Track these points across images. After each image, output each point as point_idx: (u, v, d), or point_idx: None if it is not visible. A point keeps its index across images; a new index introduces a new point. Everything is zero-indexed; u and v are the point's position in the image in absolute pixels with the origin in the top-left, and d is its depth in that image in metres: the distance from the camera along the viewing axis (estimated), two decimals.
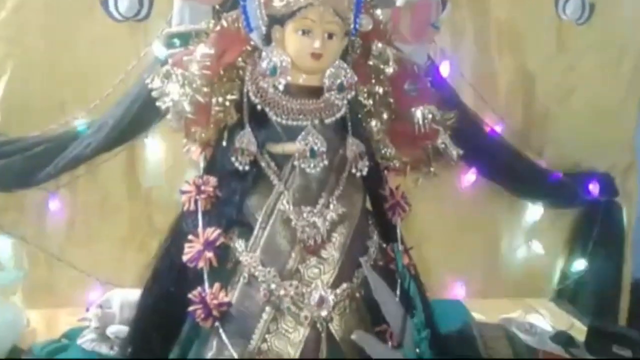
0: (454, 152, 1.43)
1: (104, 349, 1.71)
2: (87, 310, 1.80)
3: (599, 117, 2.23)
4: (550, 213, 2.28)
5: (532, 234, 2.30)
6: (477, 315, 2.06)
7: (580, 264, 2.30)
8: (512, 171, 2.19)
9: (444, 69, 2.07)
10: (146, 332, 1.38)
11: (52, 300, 1.95)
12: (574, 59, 2.19)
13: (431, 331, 1.38)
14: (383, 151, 1.47)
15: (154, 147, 1.92)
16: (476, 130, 2.13)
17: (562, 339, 1.90)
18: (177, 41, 1.44)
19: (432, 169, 1.46)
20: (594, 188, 2.26)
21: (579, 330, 2.00)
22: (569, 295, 2.32)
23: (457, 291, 2.26)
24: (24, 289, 1.94)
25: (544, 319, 2.09)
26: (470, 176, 2.20)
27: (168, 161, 1.92)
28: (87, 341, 1.74)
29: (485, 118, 2.14)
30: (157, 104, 1.31)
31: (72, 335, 1.79)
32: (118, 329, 1.72)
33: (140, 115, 1.76)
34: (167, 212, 1.55)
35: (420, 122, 1.39)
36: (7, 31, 1.81)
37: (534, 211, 2.29)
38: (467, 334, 1.83)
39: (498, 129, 2.16)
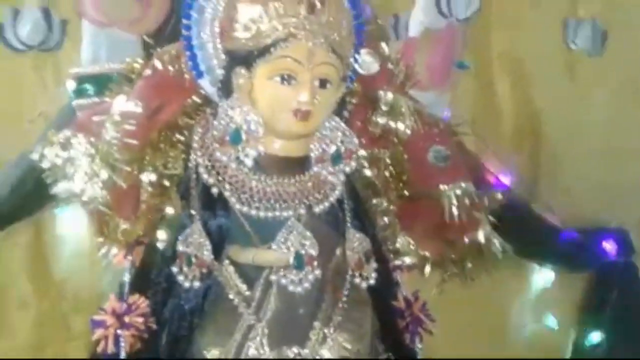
0: (500, 248, 1.00)
1: None
2: None
3: (612, 158, 2.00)
4: (561, 278, 1.97)
5: (543, 305, 1.99)
6: None
7: (595, 337, 1.96)
8: (520, 230, 1.86)
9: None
10: None
11: None
12: (585, 93, 1.95)
13: None
14: (390, 243, 1.05)
15: (68, 220, 1.50)
16: (479, 181, 1.81)
17: None
18: (89, 87, 0.99)
19: (467, 271, 1.04)
20: (610, 247, 1.97)
21: None
22: None
23: None
24: None
25: None
26: None
27: (89, 239, 1.41)
28: None
29: (487, 164, 1.83)
30: (53, 191, 0.84)
31: None
32: None
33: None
34: (87, 311, 1.13)
35: (455, 208, 0.96)
36: None
37: (544, 277, 1.98)
38: None
39: (505, 180, 1.85)
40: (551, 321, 1.98)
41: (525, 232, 1.85)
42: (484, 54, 1.84)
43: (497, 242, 1.01)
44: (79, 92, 1.01)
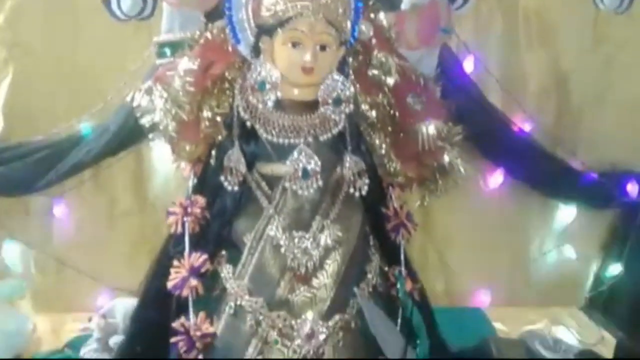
0: (462, 170, 1.30)
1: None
2: (90, 320, 1.77)
3: (638, 114, 2.08)
4: (584, 215, 2.15)
5: (563, 238, 2.17)
6: (499, 325, 1.99)
7: (615, 269, 2.16)
8: (542, 172, 2.08)
9: (468, 65, 1.95)
10: None
11: (60, 305, 1.94)
12: (612, 52, 2.04)
13: (442, 357, 1.31)
14: (387, 166, 1.37)
15: (161, 150, 1.80)
16: (503, 130, 2.02)
17: (588, 358, 1.77)
18: (167, 50, 1.36)
19: (439, 187, 1.34)
20: (632, 189, 2.12)
21: (608, 344, 1.89)
22: (601, 303, 2.19)
23: (482, 298, 2.15)
24: (33, 294, 1.93)
25: (571, 331, 1.99)
26: (497, 177, 2.09)
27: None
28: (89, 351, 1.71)
29: (514, 117, 2.02)
30: (141, 122, 1.23)
31: (76, 344, 1.77)
32: (121, 340, 1.68)
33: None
34: None
35: (425, 138, 1.27)
36: (7, 34, 1.78)
37: (567, 213, 2.16)
38: (484, 351, 1.72)
39: (527, 127, 2.04)
40: (570, 251, 2.15)
41: (547, 174, 2.04)
42: (510, 12, 1.96)
43: (459, 166, 1.31)
44: (160, 54, 1.39)
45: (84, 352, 1.71)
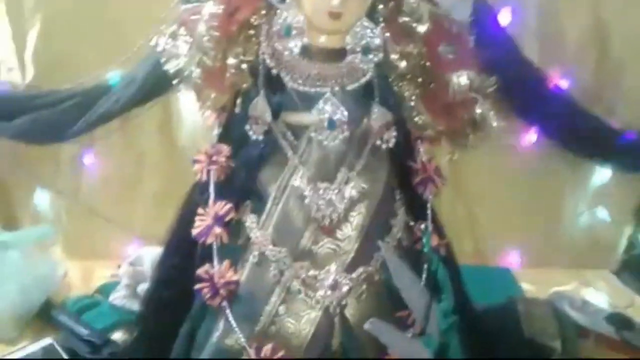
0: (494, 123, 1.26)
1: (134, 306, 1.70)
2: (119, 267, 1.80)
3: None
4: (619, 177, 2.09)
5: (597, 200, 2.12)
6: (527, 286, 1.97)
7: None
8: (578, 131, 2.02)
9: (503, 16, 1.88)
10: (157, 307, 1.35)
11: (91, 252, 1.97)
12: None
13: (467, 314, 1.30)
14: (416, 119, 1.32)
15: (189, 101, 1.79)
16: (538, 85, 1.96)
17: (618, 320, 1.74)
18: None
19: (469, 142, 1.30)
20: None
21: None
22: (634, 267, 2.14)
23: (512, 259, 2.13)
24: (64, 240, 1.98)
25: (600, 293, 1.96)
26: (531, 136, 2.04)
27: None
28: (118, 297, 1.75)
29: (551, 72, 1.94)
30: (165, 67, 1.21)
31: (106, 289, 1.81)
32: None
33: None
34: None
35: (456, 89, 1.23)
36: None
37: (601, 174, 2.11)
38: (509, 309, 1.70)
39: (564, 83, 1.97)
40: (603, 214, 2.11)
41: (584, 133, 1.98)
42: None
43: (491, 119, 1.27)
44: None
45: (112, 297, 1.75)
